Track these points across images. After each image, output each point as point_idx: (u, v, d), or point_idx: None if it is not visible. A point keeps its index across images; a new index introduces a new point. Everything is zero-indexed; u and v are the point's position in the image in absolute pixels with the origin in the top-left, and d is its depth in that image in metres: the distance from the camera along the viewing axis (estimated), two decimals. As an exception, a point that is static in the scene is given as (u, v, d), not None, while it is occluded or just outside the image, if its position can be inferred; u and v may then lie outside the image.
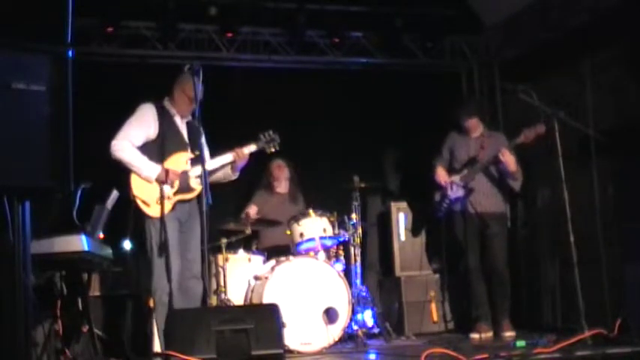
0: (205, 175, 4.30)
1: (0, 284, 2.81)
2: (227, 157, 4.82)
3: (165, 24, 6.45)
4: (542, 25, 6.34)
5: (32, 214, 2.81)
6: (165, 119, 4.75)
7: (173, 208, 4.63)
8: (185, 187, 4.69)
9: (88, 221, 4.19)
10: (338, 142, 6.87)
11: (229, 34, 6.67)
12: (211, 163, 4.77)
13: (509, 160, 5.46)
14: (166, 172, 4.61)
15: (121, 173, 4.63)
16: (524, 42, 6.63)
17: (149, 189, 4.61)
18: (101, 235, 4.36)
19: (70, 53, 2.81)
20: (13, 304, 2.72)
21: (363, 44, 7.08)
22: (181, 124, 4.85)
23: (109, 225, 4.42)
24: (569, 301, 5.12)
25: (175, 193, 4.65)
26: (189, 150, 4.76)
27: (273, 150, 4.99)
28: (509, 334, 5.51)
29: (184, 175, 4.69)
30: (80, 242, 3.74)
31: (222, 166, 4.88)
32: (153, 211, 4.59)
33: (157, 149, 4.67)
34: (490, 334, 5.58)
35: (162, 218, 4.53)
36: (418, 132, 6.83)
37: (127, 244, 5.54)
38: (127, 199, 4.61)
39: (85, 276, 4.38)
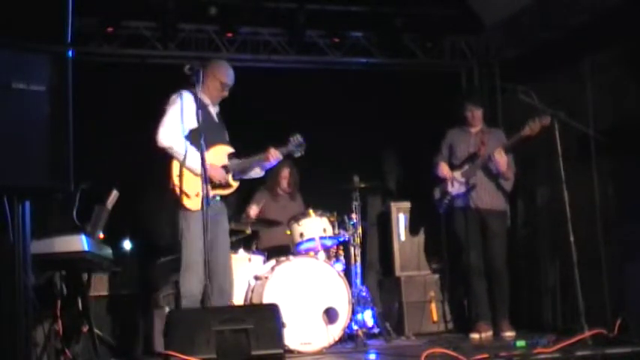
0: (205, 176, 4.23)
1: (0, 284, 2.81)
2: (261, 157, 4.74)
3: (165, 24, 6.44)
4: (542, 25, 6.33)
5: (32, 214, 2.81)
6: (202, 109, 4.50)
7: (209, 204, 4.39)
8: (224, 183, 4.60)
9: (88, 221, 4.19)
10: (338, 142, 6.86)
11: (229, 34, 6.68)
12: (247, 162, 4.71)
13: (500, 160, 5.45)
14: (222, 168, 4.54)
15: (122, 173, 4.60)
16: (524, 42, 6.62)
17: (193, 181, 4.43)
18: (101, 235, 4.36)
19: (70, 53, 2.82)
20: (13, 304, 2.72)
21: (363, 44, 7.08)
22: (215, 114, 4.72)
23: (108, 225, 4.42)
24: (569, 301, 5.12)
25: (214, 188, 4.51)
26: (228, 143, 4.66)
27: (299, 154, 4.88)
28: (508, 334, 5.50)
29: (226, 170, 4.61)
30: (80, 242, 3.75)
31: (254, 166, 4.80)
32: (192, 204, 4.43)
33: (199, 141, 4.39)
34: (490, 333, 5.57)
35: (202, 217, 4.26)
36: (418, 132, 6.82)
37: (127, 244, 5.54)
38: (129, 198, 4.59)
39: (85, 276, 4.38)
